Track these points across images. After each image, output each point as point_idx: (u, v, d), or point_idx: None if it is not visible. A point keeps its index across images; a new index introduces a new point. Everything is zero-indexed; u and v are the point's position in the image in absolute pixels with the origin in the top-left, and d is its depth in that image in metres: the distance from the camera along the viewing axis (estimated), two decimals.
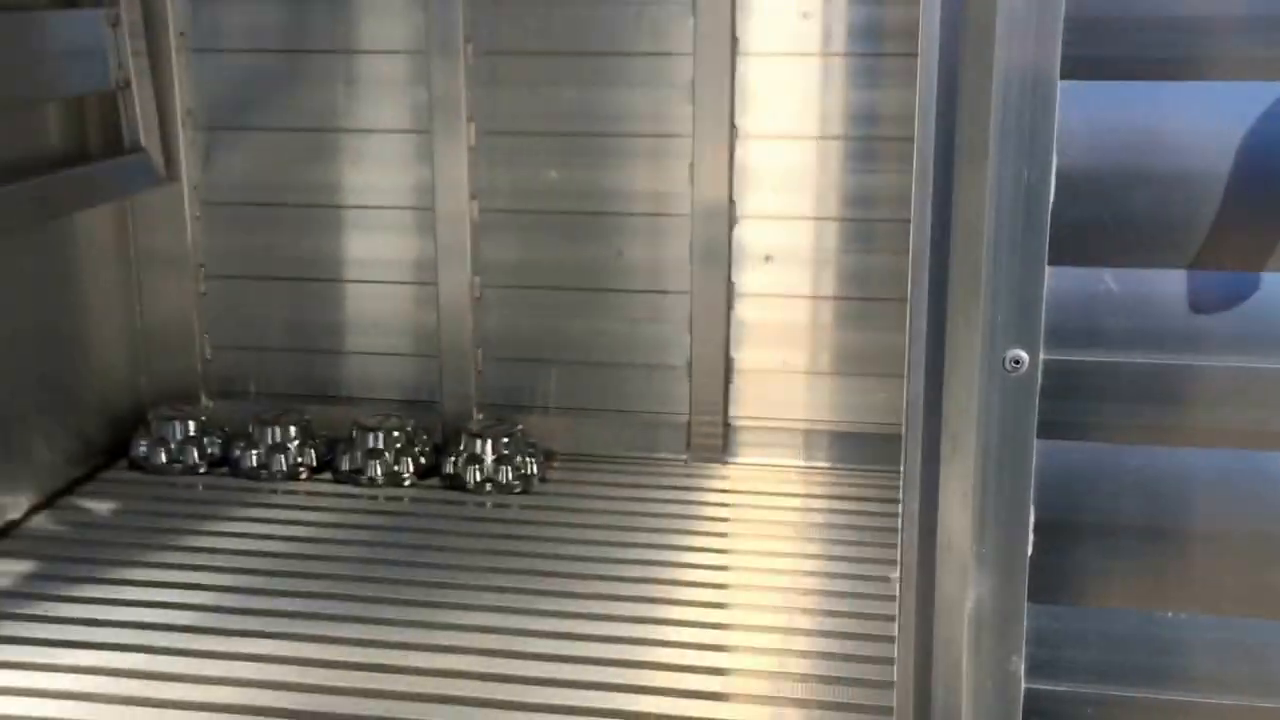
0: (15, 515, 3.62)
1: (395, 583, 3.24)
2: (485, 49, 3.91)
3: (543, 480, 3.83)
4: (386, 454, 3.86)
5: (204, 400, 4.25)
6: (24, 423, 3.68)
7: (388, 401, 4.15)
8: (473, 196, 3.99)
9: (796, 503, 3.70)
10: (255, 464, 3.93)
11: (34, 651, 2.93)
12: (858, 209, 3.83)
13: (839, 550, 3.38)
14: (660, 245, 3.94)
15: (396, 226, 4.09)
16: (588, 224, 3.99)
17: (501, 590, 3.20)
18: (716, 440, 3.97)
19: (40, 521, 3.62)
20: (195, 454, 3.97)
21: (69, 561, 3.36)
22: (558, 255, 4.02)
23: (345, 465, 3.88)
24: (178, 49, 4.07)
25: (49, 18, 3.72)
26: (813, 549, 3.40)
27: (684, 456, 3.99)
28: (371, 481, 3.84)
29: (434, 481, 3.87)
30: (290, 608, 3.12)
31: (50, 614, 3.10)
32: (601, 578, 3.26)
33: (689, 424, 3.98)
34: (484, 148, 3.96)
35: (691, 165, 3.85)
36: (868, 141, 3.80)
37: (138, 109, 3.98)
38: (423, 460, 3.90)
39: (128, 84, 3.94)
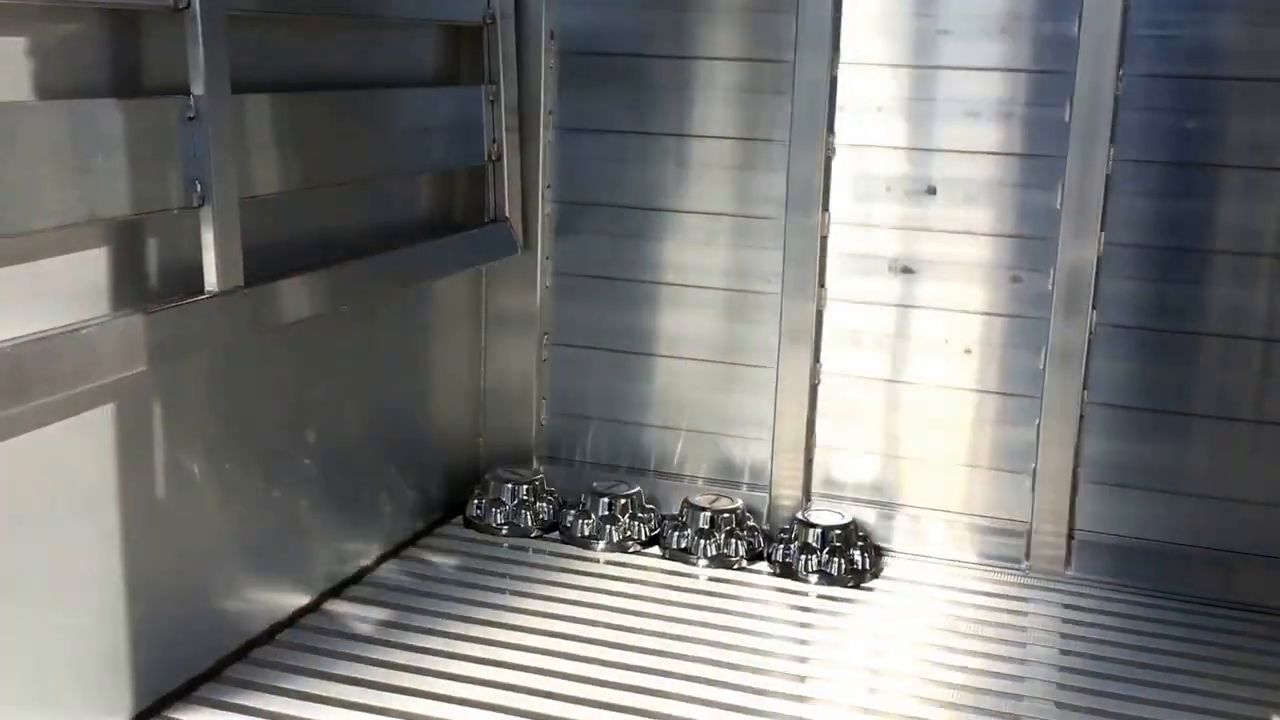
0: (367, 562, 3.77)
1: (719, 665, 3.29)
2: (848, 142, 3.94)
3: (875, 575, 3.81)
4: (717, 534, 3.89)
5: (535, 464, 4.35)
6: (375, 476, 3.85)
7: (716, 481, 4.18)
8: (821, 285, 4.00)
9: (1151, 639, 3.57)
10: (587, 533, 4.01)
11: (381, 696, 3.07)
12: None
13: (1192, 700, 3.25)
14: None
15: (741, 308, 4.13)
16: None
17: (827, 683, 3.23)
18: (1059, 552, 3.89)
19: (389, 570, 3.76)
20: (529, 517, 4.08)
21: (415, 612, 3.48)
22: (898, 342, 4.04)
23: (675, 543, 3.93)
24: (545, 126, 4.19)
25: (438, 95, 3.91)
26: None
27: (1023, 565, 3.92)
28: (701, 561, 3.87)
29: (762, 566, 3.88)
30: (621, 680, 3.21)
31: (399, 661, 3.25)
32: (934, 682, 3.24)
33: (1030, 532, 3.91)
34: (836, 235, 4.01)
35: None
36: None
37: (505, 182, 4.12)
38: (753, 544, 3.91)
39: (499, 158, 4.10)
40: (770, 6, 3.99)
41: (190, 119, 2.81)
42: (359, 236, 3.60)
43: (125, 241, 2.79)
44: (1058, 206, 3.78)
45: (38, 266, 2.57)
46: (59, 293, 2.62)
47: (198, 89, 2.81)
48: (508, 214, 4.17)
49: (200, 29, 2.80)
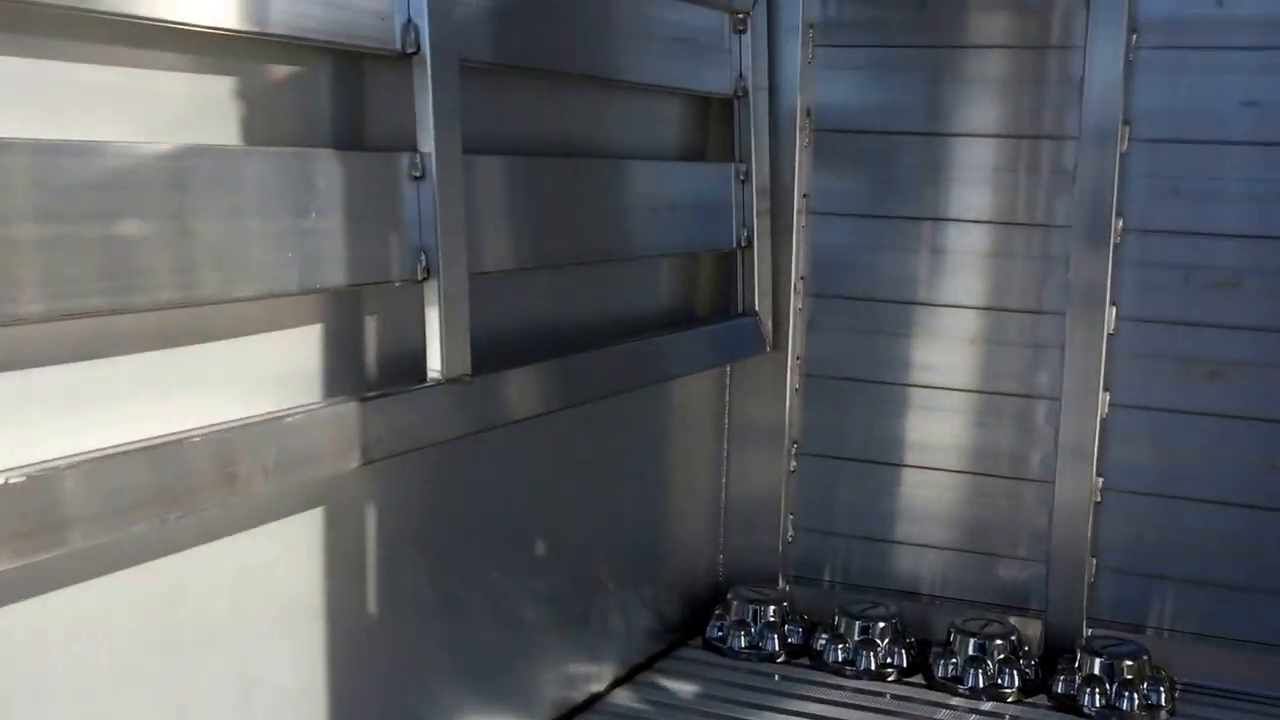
0: (599, 688, 3.42)
1: None
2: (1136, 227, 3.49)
3: (1171, 714, 3.30)
4: (988, 662, 3.43)
5: (781, 583, 3.94)
6: (608, 592, 3.50)
7: (979, 604, 3.72)
8: (1105, 388, 3.54)
9: None
10: (840, 658, 3.58)
11: None
12: None
13: None
14: None
15: (1010, 415, 3.68)
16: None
17: None
18: None
19: (623, 697, 3.39)
20: (775, 641, 3.67)
21: None
22: (1201, 458, 3.52)
23: (940, 671, 3.47)
24: (799, 210, 3.84)
25: (684, 169, 3.59)
26: None
27: None
28: (972, 692, 3.40)
29: (1040, 699, 3.40)
30: None
31: None
32: None
33: None
34: (1124, 334, 3.53)
35: None
36: None
37: (755, 271, 3.77)
38: (1028, 674, 3.43)
39: (749, 244, 3.76)
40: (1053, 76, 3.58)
41: (417, 178, 2.51)
42: (594, 326, 3.30)
43: (341, 318, 2.52)
44: None
45: (242, 345, 2.30)
46: (264, 376, 2.34)
47: (426, 145, 2.52)
48: (757, 307, 3.79)
49: (430, 77, 2.52)
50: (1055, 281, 3.63)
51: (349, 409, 2.35)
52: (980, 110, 3.71)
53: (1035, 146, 3.66)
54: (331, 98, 2.45)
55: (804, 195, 3.90)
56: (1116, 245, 3.53)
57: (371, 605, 2.61)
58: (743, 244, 3.77)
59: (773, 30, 3.80)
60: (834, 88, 3.85)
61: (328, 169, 2.34)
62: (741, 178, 3.75)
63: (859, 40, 3.82)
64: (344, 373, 2.50)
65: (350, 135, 2.49)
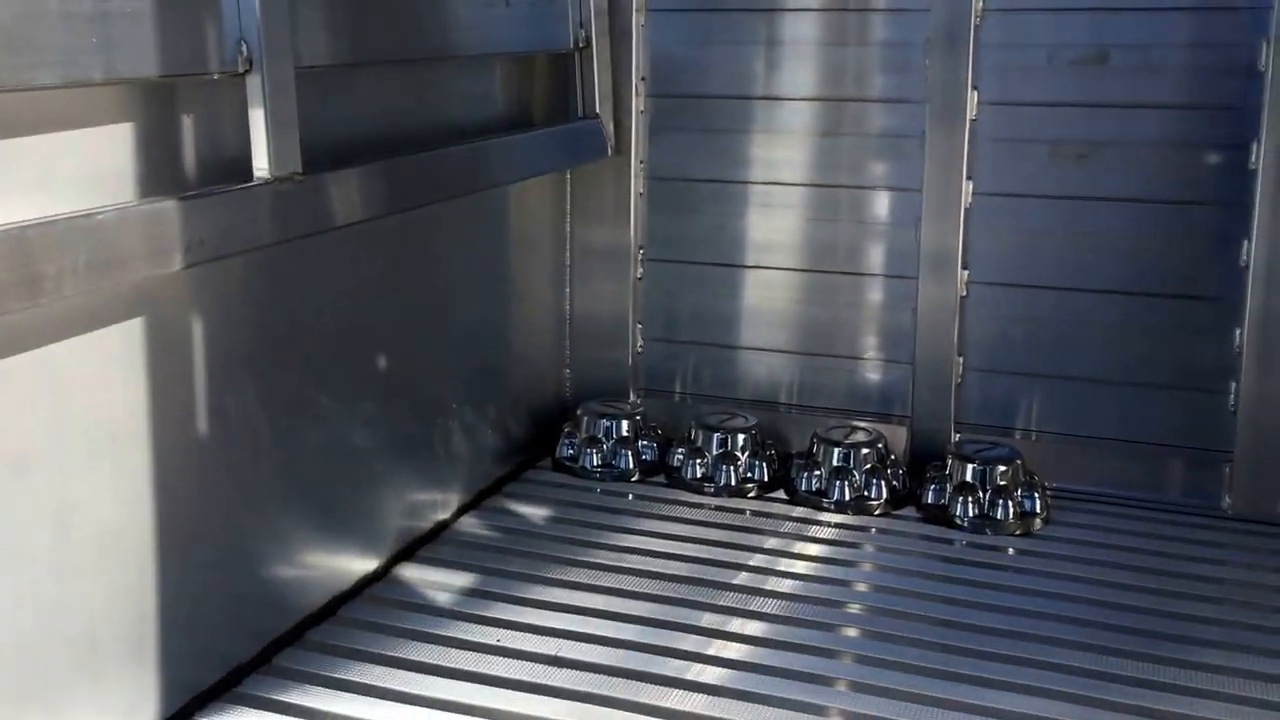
0: (445, 516, 3.20)
1: (871, 634, 2.72)
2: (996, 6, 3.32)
3: (1045, 522, 3.18)
4: (854, 474, 3.28)
5: (632, 396, 3.75)
6: (450, 413, 3.27)
7: (845, 412, 3.56)
8: (968, 176, 3.36)
9: None
10: (698, 474, 3.41)
11: (457, 687, 2.48)
12: None
13: None
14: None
15: (869, 210, 3.52)
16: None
17: (1011, 660, 2.61)
18: (1275, 487, 3.24)
19: (470, 524, 3.19)
20: (629, 458, 3.49)
21: (499, 575, 2.92)
22: (1053, 243, 3.40)
23: (804, 485, 3.33)
24: (638, 8, 3.57)
25: None
26: None
27: (1224, 505, 3.28)
28: (838, 506, 3.26)
29: (909, 511, 3.26)
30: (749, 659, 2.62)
31: (480, 640, 2.67)
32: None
33: (1231, 465, 3.27)
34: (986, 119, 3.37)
35: None
36: None
37: (595, 72, 3.50)
38: (895, 485, 3.30)
39: (588, 44, 3.49)
40: None
41: None
42: (427, 129, 3.03)
43: (157, 115, 2.22)
44: None
45: (43, 142, 2.00)
46: (71, 176, 2.04)
47: None
48: (598, 110, 3.53)
49: None
50: (912, 67, 3.39)
51: (167, 208, 2.08)
52: None
53: None
54: None
55: None
56: (976, 27, 3.33)
57: (199, 427, 2.36)
58: (580, 44, 3.52)
59: None
60: None
61: None
62: None
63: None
64: (162, 174, 2.22)
65: None
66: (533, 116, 3.55)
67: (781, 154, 3.61)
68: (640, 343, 3.79)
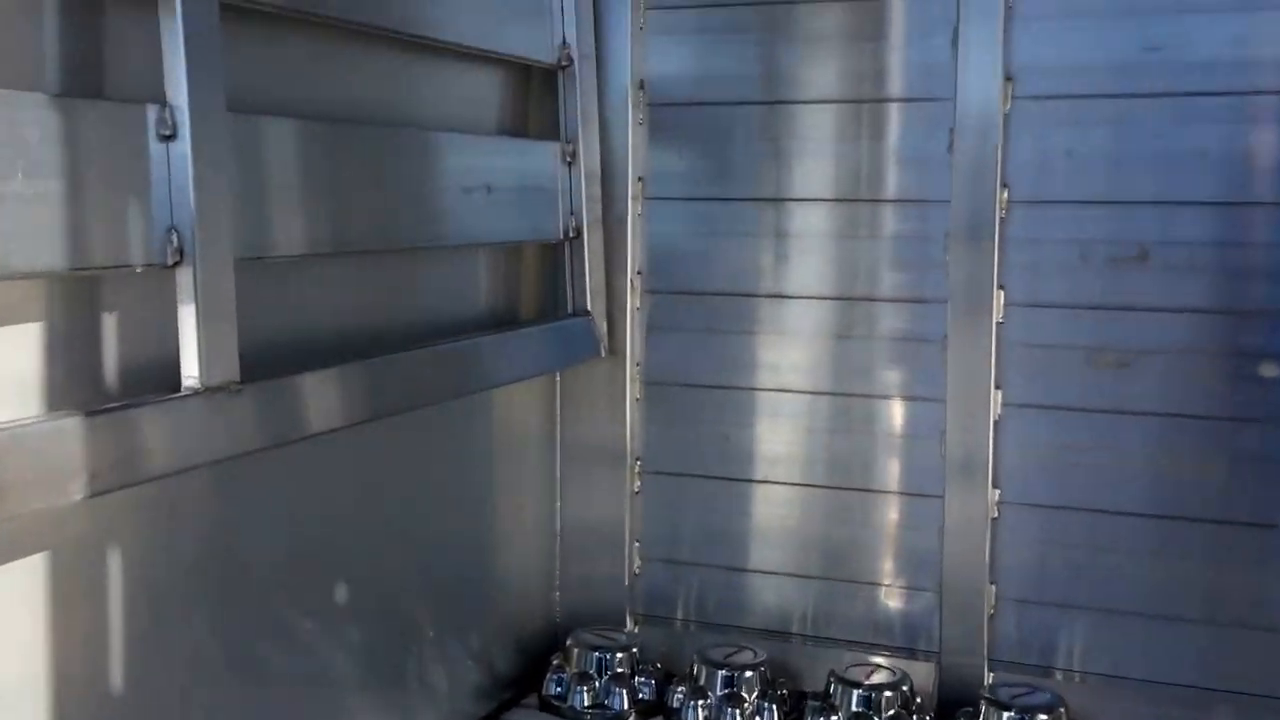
0: None
1: None
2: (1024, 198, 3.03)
3: None
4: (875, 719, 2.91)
5: (629, 624, 3.38)
6: (426, 642, 2.92)
7: (865, 645, 3.19)
8: (996, 386, 3.05)
9: None
10: (701, 718, 3.03)
11: None
12: None
13: None
14: None
15: (888, 421, 3.22)
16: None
17: None
18: None
19: None
20: (624, 697, 3.11)
21: None
22: (1094, 458, 3.05)
23: None
24: (634, 195, 3.29)
25: (502, 145, 3.03)
26: None
27: None
28: None
29: None
30: None
31: None
32: None
33: None
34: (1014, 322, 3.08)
35: None
36: None
37: (586, 265, 3.21)
38: None
39: (578, 234, 3.20)
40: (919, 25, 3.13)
41: (166, 136, 1.90)
42: (399, 327, 2.74)
43: (71, 313, 1.94)
44: None
45: None
46: None
47: (177, 96, 1.91)
48: (589, 306, 3.23)
49: (181, 14, 1.89)
50: (932, 264, 3.11)
51: (73, 425, 1.77)
52: (833, 71, 3.20)
53: (903, 110, 3.15)
54: (60, 32, 1.83)
55: (639, 179, 3.35)
56: (1002, 219, 3.04)
57: (127, 675, 1.99)
58: (571, 234, 3.23)
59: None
60: (670, 56, 3.32)
61: (44, 119, 1.73)
62: (568, 159, 3.20)
63: (696, 1, 3.28)
64: (76, 382, 1.93)
65: (86, 81, 1.88)
66: (518, 312, 3.26)
67: (791, 357, 3.31)
68: (638, 563, 3.45)
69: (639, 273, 3.40)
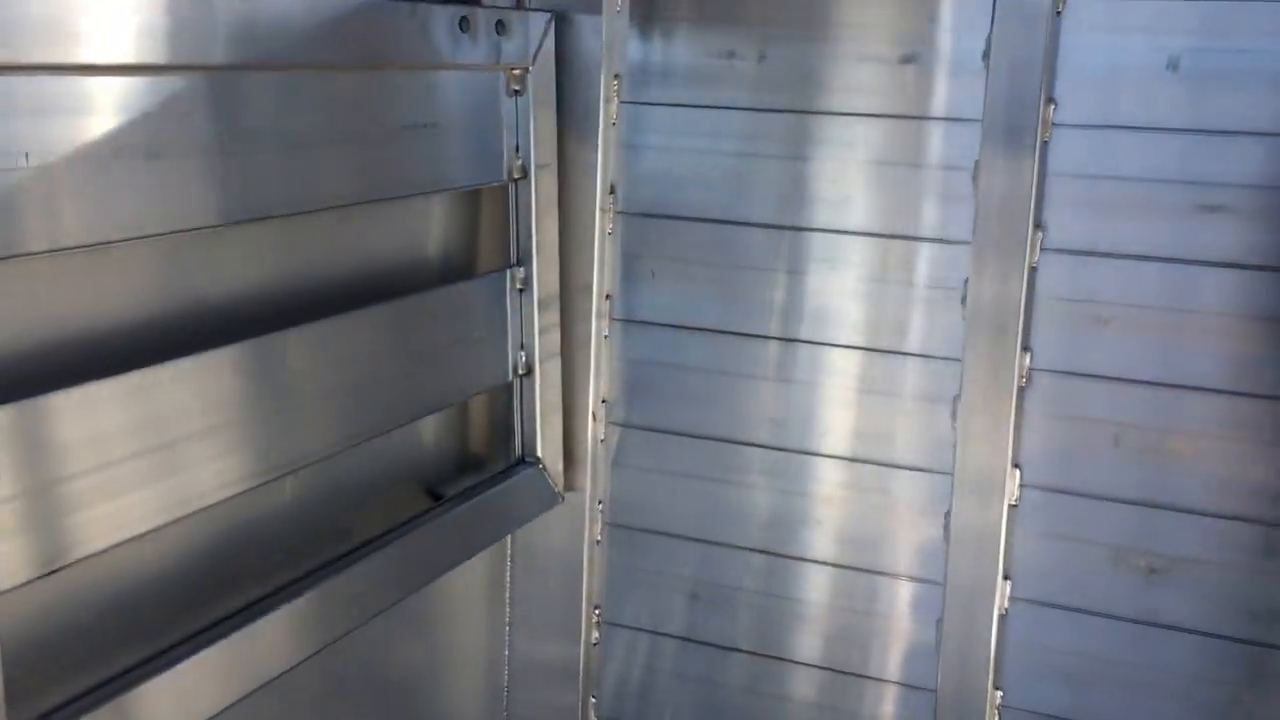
0: None
1: None
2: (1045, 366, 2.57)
3: None
4: None
5: None
6: None
7: None
8: (1005, 576, 2.62)
9: None
10: None
11: None
12: None
13: None
14: None
15: (880, 599, 2.83)
16: None
17: None
18: None
19: None
20: None
21: None
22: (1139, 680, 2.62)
23: None
24: (599, 315, 2.85)
25: (438, 299, 2.57)
26: None
27: None
28: None
29: None
30: None
31: None
32: None
33: None
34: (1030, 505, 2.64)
35: None
36: None
37: (538, 406, 2.77)
38: None
39: (530, 371, 2.74)
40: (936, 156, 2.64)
41: None
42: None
43: None
44: None
45: None
46: None
47: None
48: (539, 452, 2.79)
49: None
50: (939, 422, 2.68)
51: None
52: (845, 198, 2.71)
53: (910, 249, 2.69)
54: None
55: (606, 297, 2.89)
56: (1022, 387, 2.59)
57: None
58: (521, 371, 2.76)
59: (564, 85, 2.76)
60: (647, 159, 2.83)
61: None
62: (520, 286, 2.73)
63: (679, 98, 2.81)
64: None
65: None
66: (465, 465, 2.83)
67: (781, 508, 2.85)
68: None
69: (603, 401, 2.96)
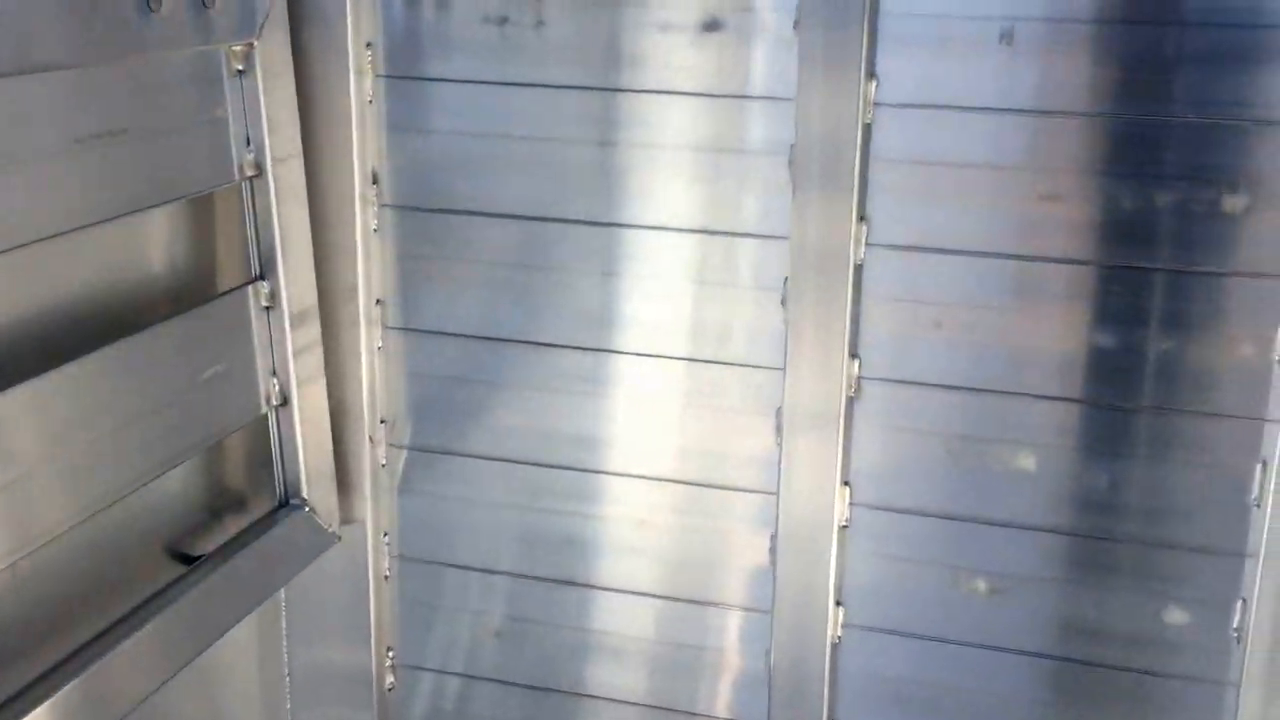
0: None
1: None
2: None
3: None
4: None
5: None
6: None
7: None
8: (837, 601, 2.29)
9: None
10: None
11: None
12: None
13: None
14: None
15: (707, 622, 2.46)
16: None
17: None
18: None
19: None
20: None
21: None
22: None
23: None
24: (369, 321, 2.44)
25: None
26: None
27: None
28: None
29: None
30: None
31: None
32: None
33: None
34: (861, 523, 2.28)
35: None
36: None
37: (299, 438, 2.35)
38: None
39: (286, 401, 2.32)
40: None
41: None
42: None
43: None
44: None
45: None
46: None
47: None
48: (305, 491, 2.38)
49: None
50: (763, 438, 2.33)
51: None
52: (651, 189, 2.32)
53: (728, 246, 2.30)
54: None
55: (377, 303, 2.46)
56: (851, 398, 2.24)
57: None
58: (275, 402, 2.34)
59: (306, 58, 2.31)
60: (417, 144, 2.40)
61: None
62: (266, 303, 2.29)
63: (448, 72, 2.37)
64: None
65: None
66: (223, 508, 2.40)
67: (591, 532, 2.50)
68: None
69: (382, 421, 2.54)
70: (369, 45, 2.40)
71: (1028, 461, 2.23)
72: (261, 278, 2.34)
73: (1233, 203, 2.07)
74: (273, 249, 2.33)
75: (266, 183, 2.29)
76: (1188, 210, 2.06)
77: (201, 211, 2.32)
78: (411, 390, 2.57)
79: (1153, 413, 2.15)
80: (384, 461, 2.60)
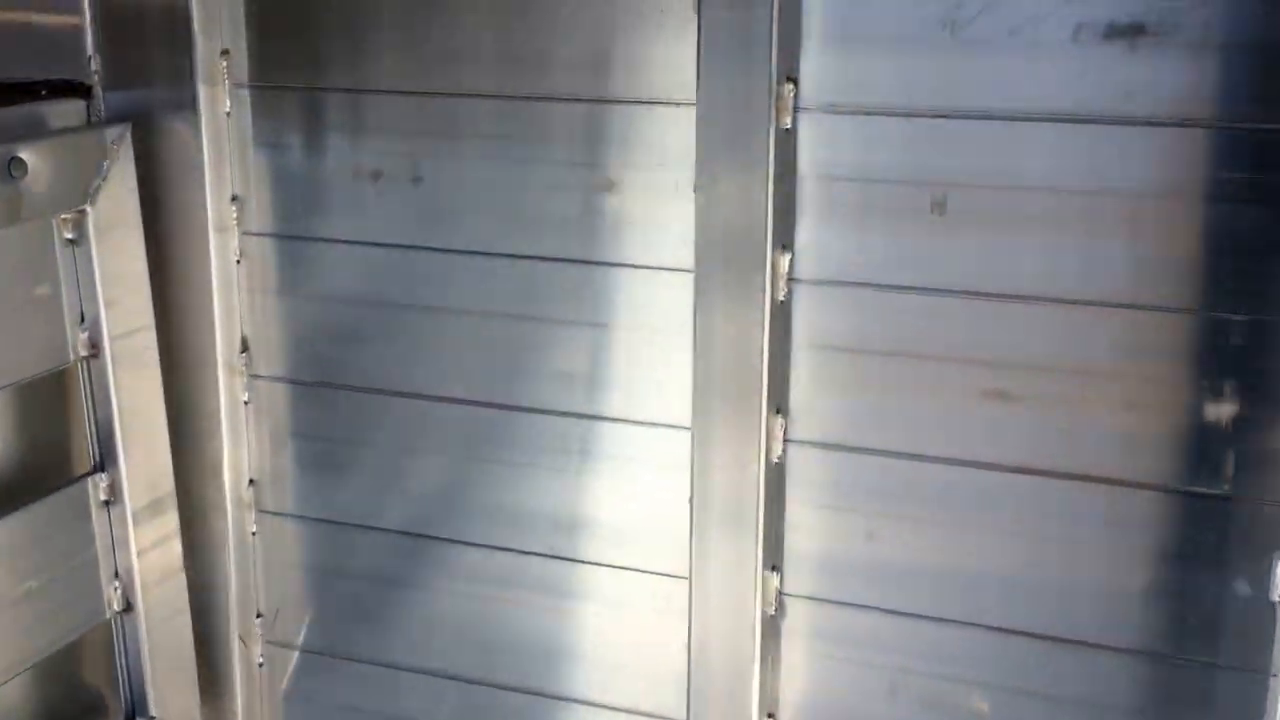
0: None
1: None
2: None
3: None
4: None
5: None
6: None
7: None
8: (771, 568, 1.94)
9: None
10: None
11: None
12: None
13: None
14: None
15: None
16: None
17: None
18: None
19: None
20: None
21: None
22: None
23: None
24: (239, 505, 2.12)
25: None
26: None
27: None
28: None
29: None
30: None
31: None
32: None
33: None
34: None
35: None
36: None
37: (145, 648, 2.03)
38: None
39: (129, 607, 2.00)
40: None
41: None
42: None
43: None
44: None
45: None
46: None
47: None
48: (153, 708, 2.06)
49: None
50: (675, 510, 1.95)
51: None
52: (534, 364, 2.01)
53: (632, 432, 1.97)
54: None
55: (250, 483, 2.15)
56: (776, 463, 1.91)
57: None
58: (118, 608, 2.01)
59: (161, 218, 2.01)
60: (297, 308, 2.10)
61: None
62: (106, 498, 1.97)
63: (324, 229, 2.05)
64: None
65: None
66: None
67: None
68: None
69: (259, 616, 2.23)
70: (235, 199, 2.08)
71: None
72: (100, 469, 2.01)
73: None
74: (111, 436, 2.01)
75: (104, 362, 1.97)
76: None
77: (34, 398, 2.00)
78: (292, 582, 2.24)
79: None
80: (260, 661, 2.27)
